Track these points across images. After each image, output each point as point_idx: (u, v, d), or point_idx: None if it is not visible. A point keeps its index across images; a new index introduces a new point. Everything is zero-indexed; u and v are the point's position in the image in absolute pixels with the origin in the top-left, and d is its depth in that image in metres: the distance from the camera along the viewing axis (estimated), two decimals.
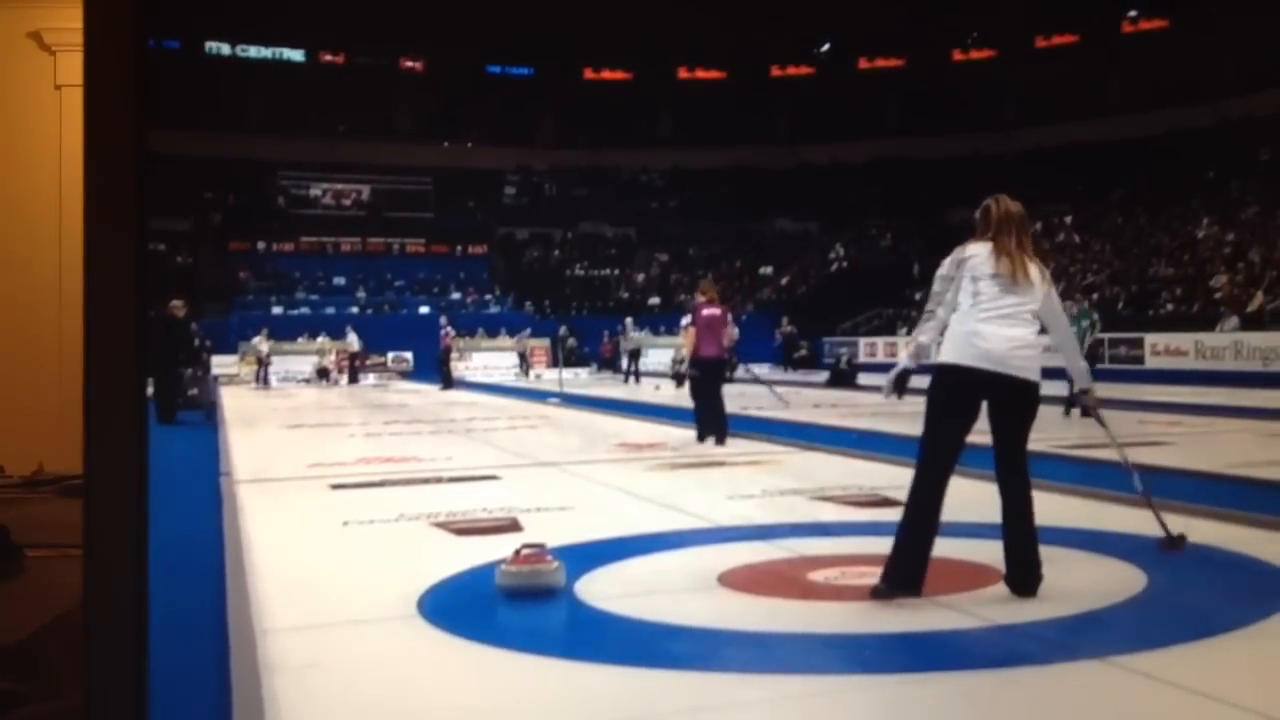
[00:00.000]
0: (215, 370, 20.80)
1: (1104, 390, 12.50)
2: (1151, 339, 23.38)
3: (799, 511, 6.34)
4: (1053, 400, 11.60)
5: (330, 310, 34.79)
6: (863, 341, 31.62)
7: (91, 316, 1.69)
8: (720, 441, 10.06)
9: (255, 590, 4.50)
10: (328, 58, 42.01)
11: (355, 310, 34.81)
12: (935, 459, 4.07)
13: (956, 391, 4.09)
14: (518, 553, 4.42)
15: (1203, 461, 8.19)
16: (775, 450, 9.69)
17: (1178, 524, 5.57)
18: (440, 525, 5.97)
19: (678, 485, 7.62)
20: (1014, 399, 4.12)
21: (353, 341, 26.99)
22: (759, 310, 36.41)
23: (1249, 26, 32.95)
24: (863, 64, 44.18)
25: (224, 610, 4.19)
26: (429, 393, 21.55)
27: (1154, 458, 8.43)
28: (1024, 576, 4.11)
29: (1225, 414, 12.63)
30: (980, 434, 4.20)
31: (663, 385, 21.26)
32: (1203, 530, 5.40)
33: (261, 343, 25.86)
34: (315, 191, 42.11)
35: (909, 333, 4.50)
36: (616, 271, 42.53)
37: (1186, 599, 4.26)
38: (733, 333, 23.95)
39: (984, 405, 4.14)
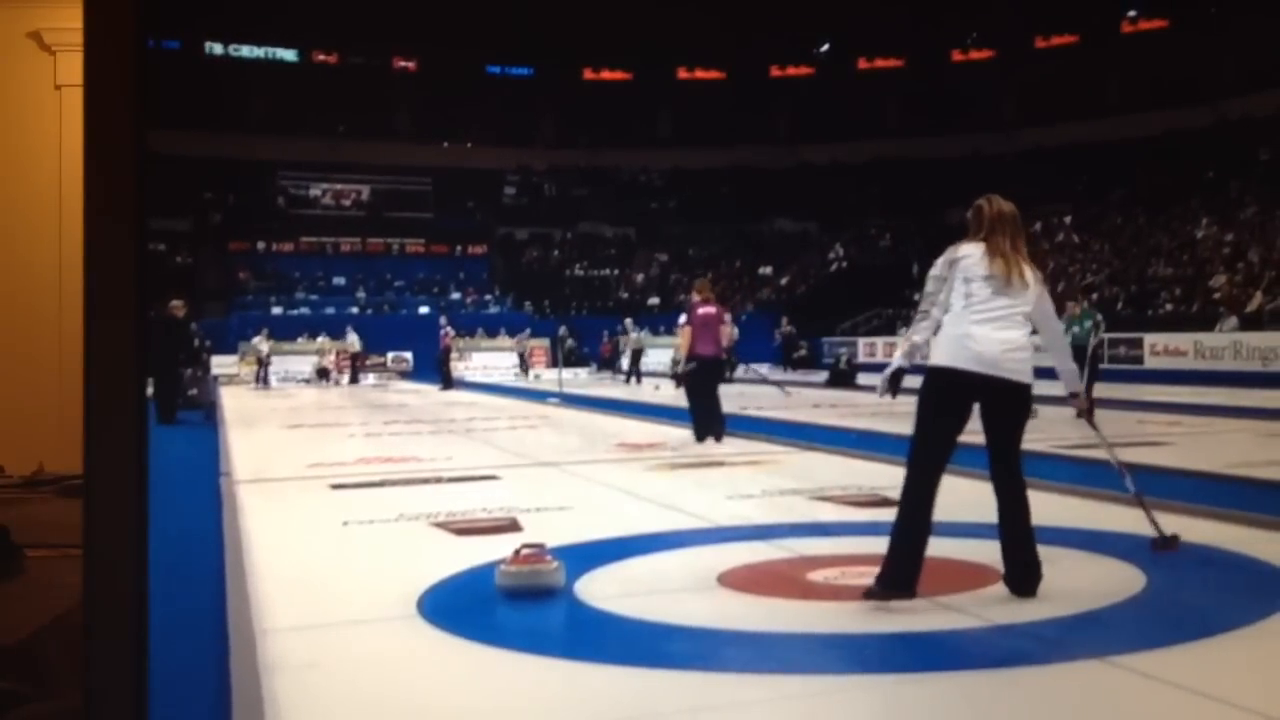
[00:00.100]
0: (215, 370, 20.79)
1: (1103, 390, 12.60)
2: (1151, 339, 23.38)
3: (798, 511, 6.34)
4: (1058, 400, 11.64)
5: (330, 310, 34.79)
6: (862, 341, 31.62)
7: (91, 316, 1.69)
8: (718, 440, 10.09)
9: (255, 590, 4.51)
10: (325, 58, 41.98)
11: (355, 310, 34.80)
12: (927, 460, 4.05)
13: (948, 394, 4.07)
14: (517, 553, 4.43)
15: (1202, 461, 8.20)
16: (775, 450, 9.69)
17: (1178, 524, 5.58)
18: (440, 525, 5.97)
19: (677, 485, 7.62)
20: (1006, 402, 4.11)
21: (353, 342, 26.99)
22: (758, 310, 36.41)
23: (1248, 27, 32.97)
24: (862, 64, 44.18)
25: (224, 610, 4.20)
26: (429, 393, 21.55)
27: (1153, 458, 8.45)
28: (1023, 577, 4.11)
29: (1224, 414, 12.64)
30: (976, 434, 4.20)
31: (662, 385, 21.24)
32: (1202, 530, 5.40)
33: (261, 343, 25.85)
34: (315, 191, 42.10)
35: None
36: (616, 272, 42.54)
37: (1186, 599, 4.26)
38: (732, 333, 24.02)
39: (975, 407, 4.14)
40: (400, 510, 6.45)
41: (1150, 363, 22.79)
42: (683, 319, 10.58)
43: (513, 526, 5.86)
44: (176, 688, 3.07)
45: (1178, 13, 37.23)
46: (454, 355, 24.53)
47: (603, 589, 4.42)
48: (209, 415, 15.01)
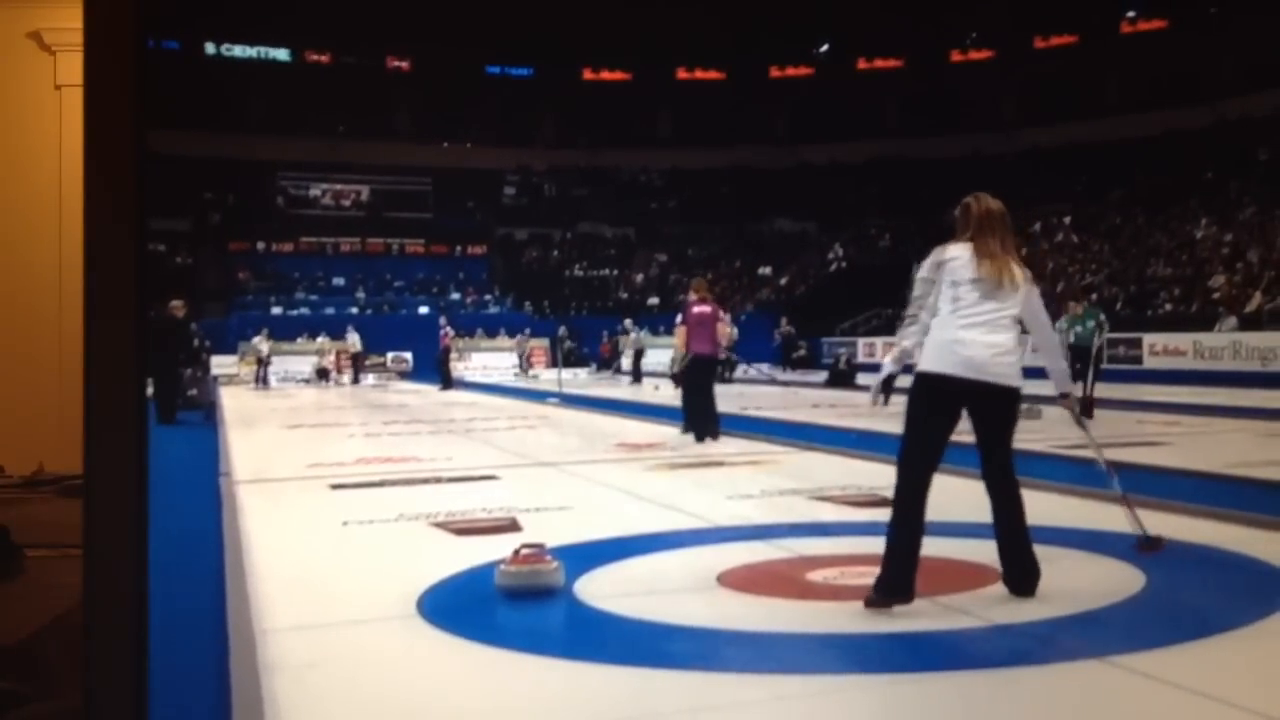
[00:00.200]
0: (215, 370, 20.77)
1: (1102, 390, 12.58)
2: (1150, 339, 23.39)
3: (798, 511, 6.34)
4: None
5: (330, 310, 34.80)
6: (861, 341, 31.61)
7: (91, 316, 1.69)
8: (714, 438, 10.14)
9: (255, 590, 4.51)
10: (320, 58, 41.94)
11: (355, 310, 34.80)
12: (917, 465, 4.02)
13: (937, 399, 4.04)
14: (517, 552, 4.43)
15: (1201, 461, 8.20)
16: (774, 450, 9.69)
17: (1177, 524, 5.59)
18: (440, 525, 5.97)
19: (677, 485, 7.63)
20: (995, 406, 4.09)
21: (354, 342, 26.96)
22: (758, 310, 36.42)
23: (1247, 27, 32.99)
24: (861, 64, 44.19)
25: (224, 610, 4.20)
26: (428, 393, 21.55)
27: (1152, 458, 8.45)
28: (1021, 576, 4.10)
29: (1223, 414, 12.64)
30: (971, 433, 4.20)
31: (662, 385, 21.25)
32: (1201, 530, 5.41)
33: (261, 343, 25.85)
34: (315, 192, 42.11)
35: None
36: (615, 272, 42.55)
37: (1185, 599, 4.27)
38: (731, 332, 24.05)
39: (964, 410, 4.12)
40: (400, 510, 6.45)
41: (1149, 363, 22.80)
42: (679, 319, 10.67)
43: (512, 526, 5.86)
44: (176, 688, 3.08)
45: (1177, 13, 37.25)
46: (453, 355, 24.53)
47: (602, 589, 4.42)
48: (209, 415, 15.01)
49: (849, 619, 3.89)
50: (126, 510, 1.69)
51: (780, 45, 41.91)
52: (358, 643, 3.84)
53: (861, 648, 3.66)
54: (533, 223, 44.11)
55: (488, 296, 39.17)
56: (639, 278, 41.80)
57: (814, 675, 3.41)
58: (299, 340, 29.78)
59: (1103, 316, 13.31)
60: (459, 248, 41.57)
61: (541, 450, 10.19)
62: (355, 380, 26.64)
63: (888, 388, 4.30)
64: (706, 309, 10.40)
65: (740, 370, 24.71)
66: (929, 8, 37.21)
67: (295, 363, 28.82)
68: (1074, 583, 4.30)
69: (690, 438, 10.31)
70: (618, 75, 44.74)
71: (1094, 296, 23.87)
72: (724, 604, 4.23)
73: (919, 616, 3.85)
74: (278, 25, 38.57)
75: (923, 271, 4.23)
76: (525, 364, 28.78)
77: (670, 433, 10.94)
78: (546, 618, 4.16)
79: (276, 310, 34.75)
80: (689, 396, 10.52)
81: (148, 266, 1.77)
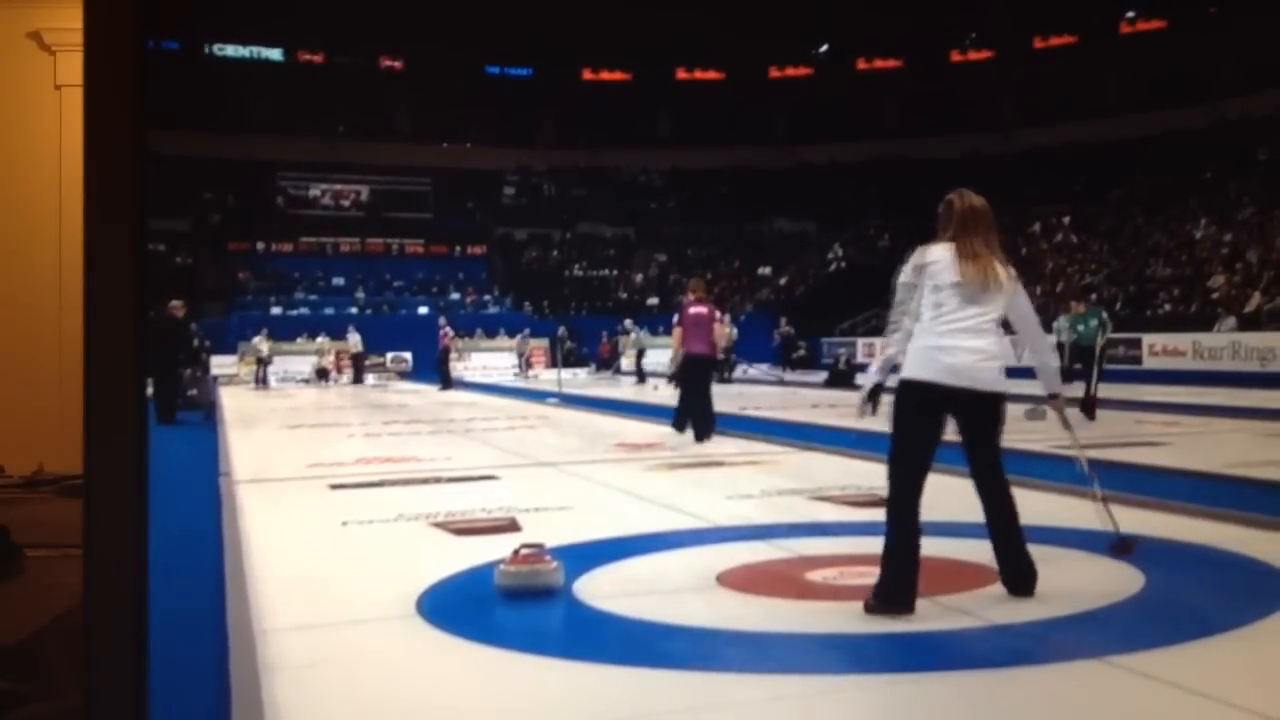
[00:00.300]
0: (214, 370, 20.77)
1: (1102, 390, 12.56)
2: (1149, 339, 23.40)
3: (797, 511, 6.34)
4: (1069, 402, 11.62)
5: (329, 311, 34.79)
6: (861, 342, 31.59)
7: (91, 316, 1.69)
8: (707, 437, 10.21)
9: (254, 590, 4.51)
10: (312, 58, 41.90)
11: (355, 310, 34.80)
12: (907, 472, 4.00)
13: (922, 406, 4.01)
14: (516, 552, 4.43)
15: (1200, 461, 8.20)
16: (774, 450, 9.69)
17: (1176, 524, 5.60)
18: (439, 525, 5.97)
19: (676, 485, 7.63)
20: (981, 411, 4.06)
21: (355, 342, 26.91)
22: (757, 310, 36.42)
23: (1247, 27, 33.00)
24: (861, 65, 44.22)
25: (224, 610, 4.20)
26: (428, 393, 21.54)
27: (1152, 458, 8.46)
28: (1018, 577, 4.09)
29: (1223, 414, 12.64)
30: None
31: (661, 385, 21.27)
32: (1200, 530, 5.41)
33: (261, 343, 25.85)
34: (314, 192, 42.10)
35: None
36: (615, 272, 42.55)
37: (1184, 599, 4.27)
38: (731, 333, 24.04)
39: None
40: (399, 510, 6.45)
41: (1149, 363, 22.81)
42: (675, 319, 10.75)
43: (512, 526, 5.86)
44: (176, 688, 3.08)
45: (1176, 13, 37.27)
46: (453, 355, 24.52)
47: (602, 589, 4.42)
48: (209, 415, 15.01)
49: (848, 619, 3.89)
50: (126, 510, 1.70)
51: (780, 45, 41.93)
52: (357, 643, 3.85)
53: (861, 648, 3.66)
54: (532, 223, 44.12)
55: (487, 296, 39.17)
56: (639, 278, 41.81)
57: (813, 675, 3.42)
58: (299, 340, 29.77)
59: (1105, 315, 13.26)
60: (459, 248, 41.58)
61: (541, 450, 10.19)
62: (360, 380, 26.53)
63: (874, 397, 4.27)
64: (703, 310, 10.46)
65: (740, 370, 24.73)
66: (929, 8, 37.23)
67: (295, 363, 28.81)
68: (1074, 583, 4.31)
69: (688, 437, 10.33)
70: (617, 75, 44.76)
71: (1093, 297, 23.87)
72: (723, 604, 4.23)
73: (919, 616, 3.85)
74: (276, 25, 38.57)
75: (904, 276, 4.16)
76: (524, 366, 28.74)
77: (669, 432, 10.94)
78: (546, 618, 4.16)
79: (276, 310, 34.74)
80: (686, 396, 10.57)
81: (148, 266, 1.77)
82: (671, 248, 43.28)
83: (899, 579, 3.89)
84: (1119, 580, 4.37)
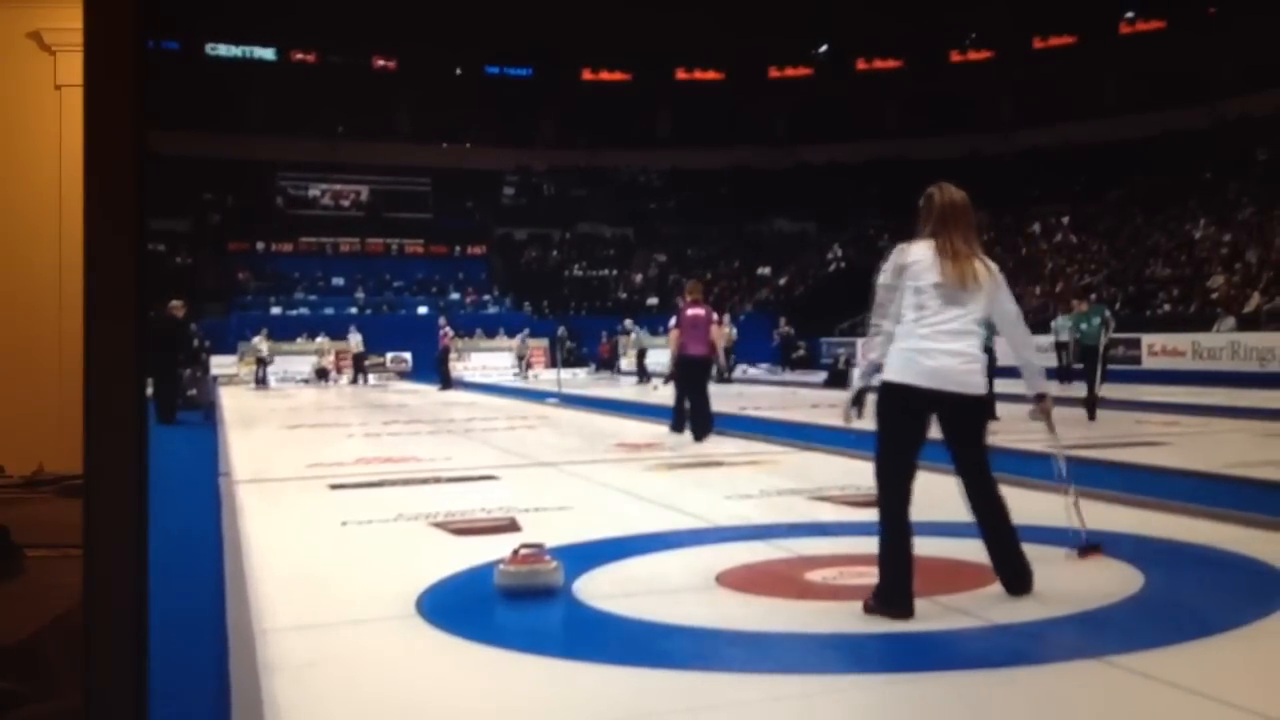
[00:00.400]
0: (214, 370, 20.77)
1: (1101, 390, 12.54)
2: (1149, 339, 23.40)
3: (797, 511, 6.34)
4: (1072, 402, 11.64)
5: (329, 310, 34.79)
6: (860, 342, 31.56)
7: (91, 317, 1.69)
8: (706, 436, 10.29)
9: (254, 590, 4.51)
10: (310, 58, 41.86)
11: (354, 310, 34.80)
12: (896, 474, 3.97)
13: (905, 409, 3.98)
14: (516, 552, 4.43)
15: (1200, 462, 8.20)
16: (773, 450, 9.70)
17: (1176, 524, 5.60)
18: (439, 525, 5.97)
19: (676, 485, 7.63)
20: (964, 414, 4.03)
21: (356, 342, 26.85)
22: (757, 310, 36.42)
23: (1246, 27, 33.02)
24: (861, 65, 44.24)
25: (223, 610, 4.20)
26: (427, 393, 21.54)
27: (1151, 458, 8.46)
28: (1014, 575, 4.06)
29: (1222, 414, 12.64)
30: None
31: (660, 385, 21.27)
32: (1200, 530, 5.41)
33: (260, 343, 25.84)
34: (314, 192, 42.12)
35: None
36: (615, 272, 42.56)
37: (1184, 599, 4.27)
38: (730, 333, 24.00)
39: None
40: (399, 510, 6.45)
41: (1148, 363, 22.81)
42: (674, 321, 10.84)
43: (511, 526, 5.86)
44: (176, 688, 3.08)
45: (1175, 13, 37.28)
46: (453, 355, 24.52)
47: (601, 589, 4.42)
48: (208, 415, 15.01)
49: (848, 619, 3.89)
50: (126, 510, 1.70)
51: (779, 45, 41.94)
52: (357, 642, 3.85)
53: (860, 648, 3.66)
54: (532, 223, 44.13)
55: (487, 297, 39.17)
56: (638, 278, 41.82)
57: (813, 675, 3.42)
58: (298, 340, 29.77)
59: (1108, 314, 13.22)
60: (458, 248, 41.60)
61: (541, 450, 10.19)
62: (364, 380, 26.41)
63: (859, 401, 4.24)
64: (700, 311, 10.56)
65: (740, 370, 24.74)
66: (928, 8, 37.24)
67: (295, 363, 28.80)
68: (1073, 583, 4.31)
69: (686, 437, 10.38)
70: (617, 75, 44.77)
71: (1093, 297, 23.88)
72: (723, 604, 4.23)
73: (919, 617, 3.85)
74: (275, 26, 38.55)
75: (884, 277, 4.10)
76: (524, 367, 28.71)
77: (669, 433, 10.95)
78: (545, 618, 4.16)
79: (276, 310, 34.75)
80: (682, 397, 10.68)
81: (148, 266, 1.77)
82: (671, 248, 43.29)
83: (896, 582, 3.88)
84: (1119, 580, 4.37)
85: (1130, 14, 38.95)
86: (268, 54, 41.41)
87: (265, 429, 13.74)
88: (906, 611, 3.84)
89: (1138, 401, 14.25)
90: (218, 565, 5.04)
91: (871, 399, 4.19)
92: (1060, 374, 19.04)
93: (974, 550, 4.59)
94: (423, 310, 35.99)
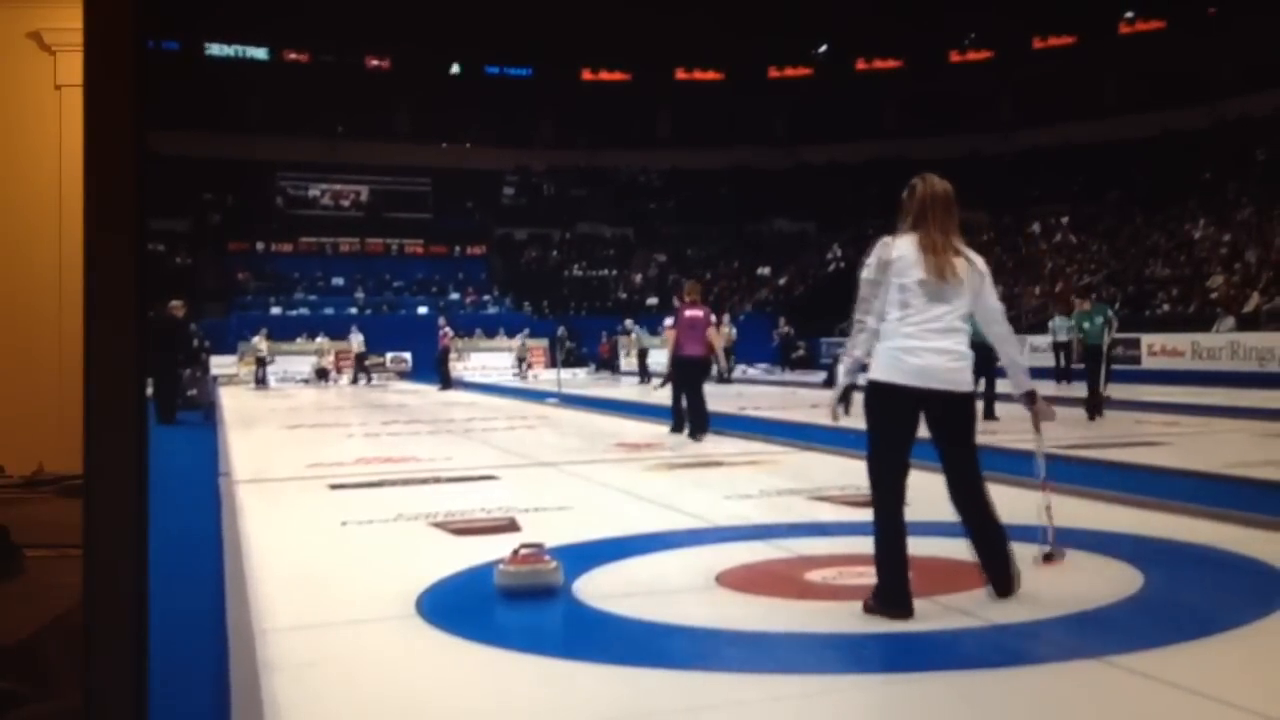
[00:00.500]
0: (214, 371, 20.77)
1: (1107, 390, 12.52)
2: (1148, 339, 23.40)
3: (797, 511, 6.34)
4: (1071, 402, 11.64)
5: (329, 311, 34.79)
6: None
7: (91, 317, 1.70)
8: (703, 435, 10.36)
9: (254, 590, 4.51)
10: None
11: (354, 310, 34.80)
12: (886, 473, 3.96)
13: (893, 408, 3.95)
14: (516, 552, 4.43)
15: (1199, 462, 8.20)
16: (773, 450, 9.70)
17: (1176, 524, 5.60)
18: (439, 525, 5.97)
19: (676, 485, 7.63)
20: (951, 412, 4.00)
21: (358, 342, 26.80)
22: (757, 310, 36.42)
23: (1246, 27, 33.02)
24: (860, 65, 44.24)
25: (223, 610, 4.20)
26: (427, 393, 21.54)
27: (1151, 458, 8.46)
28: (999, 576, 4.00)
29: (1221, 414, 12.65)
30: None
31: (659, 385, 21.26)
32: (1200, 530, 5.41)
33: (260, 343, 25.83)
34: (314, 192, 42.13)
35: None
36: (615, 272, 42.57)
37: (1184, 599, 4.27)
38: (730, 333, 23.98)
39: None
40: (399, 510, 6.45)
41: (1148, 363, 22.81)
42: (669, 321, 10.92)
43: (511, 526, 5.86)
44: (176, 688, 3.08)
45: (1175, 13, 37.28)
46: (453, 355, 24.52)
47: (601, 589, 4.42)
48: (208, 415, 15.01)
49: (848, 619, 3.89)
50: (126, 510, 1.70)
51: (779, 45, 41.94)
52: (357, 642, 3.85)
53: (860, 648, 3.66)
54: (532, 223, 44.14)
55: (487, 297, 39.18)
56: (638, 278, 41.82)
57: (812, 675, 3.42)
58: (298, 340, 29.76)
59: (1111, 313, 13.18)
60: (458, 248, 41.62)
61: (540, 450, 10.19)
62: (367, 380, 26.35)
63: (845, 398, 4.21)
64: (698, 312, 10.63)
65: (739, 370, 24.74)
66: (928, 8, 37.24)
67: (295, 363, 28.80)
68: (1073, 583, 4.31)
69: (684, 437, 10.43)
70: (617, 75, 44.77)
71: (1093, 297, 23.87)
72: (723, 604, 4.23)
73: (918, 617, 3.85)
74: (274, 26, 38.56)
75: (868, 272, 4.03)
76: (524, 367, 28.70)
77: (669, 433, 10.96)
78: (545, 618, 4.16)
79: (276, 310, 34.75)
80: (679, 397, 10.77)
81: (148, 267, 1.77)
82: (671, 248, 43.30)
83: (894, 582, 3.88)
84: (1119, 580, 4.37)
85: (1130, 14, 38.95)
86: (260, 54, 41.36)
87: (265, 429, 13.74)
88: (906, 611, 3.83)
89: (1138, 401, 14.26)
90: (218, 565, 5.04)
91: (858, 397, 4.17)
92: (1058, 374, 19.06)
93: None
94: (422, 310, 35.99)
